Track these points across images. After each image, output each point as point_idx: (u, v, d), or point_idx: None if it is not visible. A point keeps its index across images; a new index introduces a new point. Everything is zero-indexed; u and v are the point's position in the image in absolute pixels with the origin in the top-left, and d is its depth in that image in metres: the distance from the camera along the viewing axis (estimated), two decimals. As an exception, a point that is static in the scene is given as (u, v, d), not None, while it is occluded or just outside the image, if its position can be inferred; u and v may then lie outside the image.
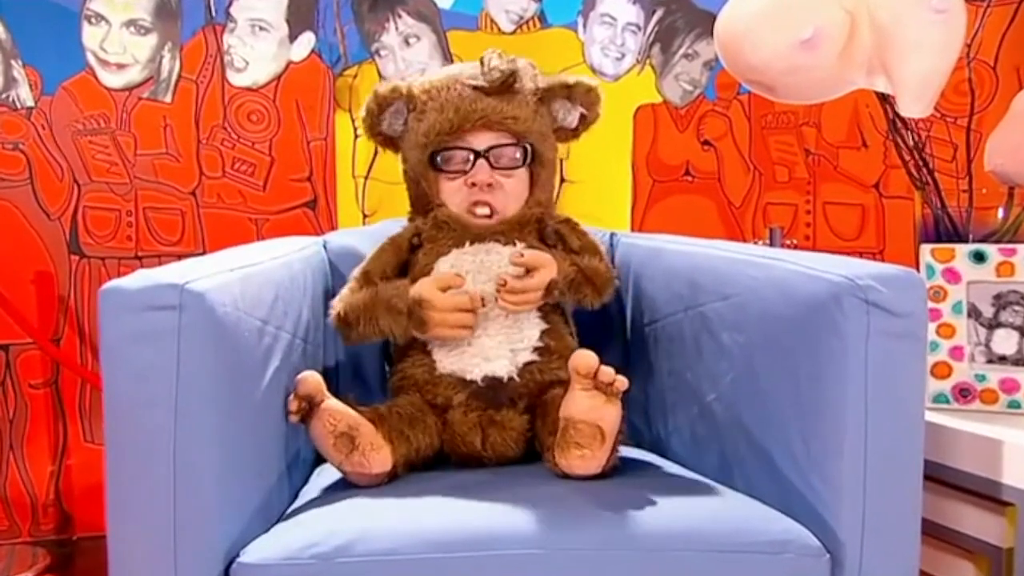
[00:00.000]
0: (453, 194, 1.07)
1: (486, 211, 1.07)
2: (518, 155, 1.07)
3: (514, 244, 1.05)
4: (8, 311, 1.68)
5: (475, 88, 1.05)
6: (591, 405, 0.91)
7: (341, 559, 0.79)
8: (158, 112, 1.81)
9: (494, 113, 1.05)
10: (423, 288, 1.01)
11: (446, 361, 1.02)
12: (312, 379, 0.92)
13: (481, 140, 1.06)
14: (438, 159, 1.07)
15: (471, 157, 1.06)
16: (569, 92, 1.11)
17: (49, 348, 1.73)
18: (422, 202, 1.10)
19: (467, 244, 1.05)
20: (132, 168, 1.80)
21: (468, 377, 1.01)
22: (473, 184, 1.05)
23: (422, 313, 0.99)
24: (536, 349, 1.03)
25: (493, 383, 1.01)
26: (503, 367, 1.01)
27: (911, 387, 0.85)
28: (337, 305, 1.05)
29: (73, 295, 1.79)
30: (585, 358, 0.91)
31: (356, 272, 1.09)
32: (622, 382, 0.91)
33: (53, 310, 1.78)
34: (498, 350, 1.01)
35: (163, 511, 0.77)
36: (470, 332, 1.01)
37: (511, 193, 1.08)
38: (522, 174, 1.09)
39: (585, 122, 1.14)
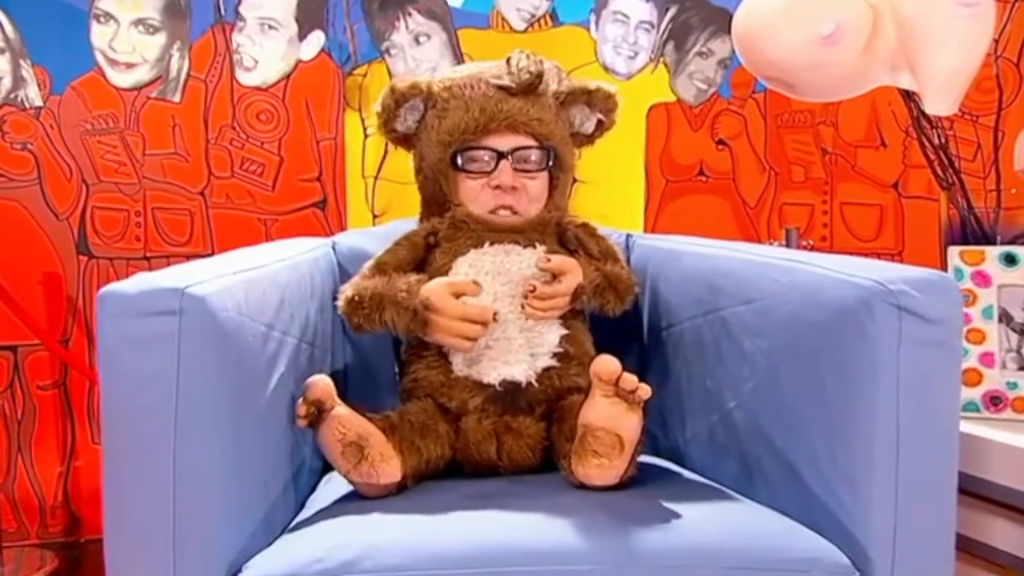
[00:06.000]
0: (474, 195, 1.05)
1: (508, 213, 1.05)
2: (541, 158, 1.05)
3: (534, 246, 1.03)
4: (16, 312, 1.67)
5: (500, 88, 1.03)
6: (611, 413, 0.89)
7: (347, 575, 0.76)
8: (167, 112, 1.79)
9: (520, 115, 1.03)
10: (434, 291, 0.98)
11: (462, 364, 1.00)
12: (322, 383, 0.89)
13: (505, 141, 1.04)
14: (460, 159, 1.04)
15: (494, 158, 1.04)
16: (589, 98, 1.09)
17: (57, 349, 1.72)
18: (438, 201, 1.08)
19: (486, 245, 1.02)
20: (141, 168, 1.78)
21: (485, 381, 0.99)
22: (497, 186, 1.03)
23: (427, 316, 0.97)
24: (556, 355, 1.00)
25: (511, 388, 0.99)
26: (522, 371, 0.98)
27: (945, 397, 0.82)
28: (348, 289, 1.01)
29: (81, 296, 1.77)
30: (607, 364, 0.89)
31: (369, 263, 1.06)
32: (645, 390, 0.89)
33: (61, 311, 1.76)
34: (517, 354, 0.99)
35: (162, 523, 0.75)
36: (472, 345, 0.98)
37: (532, 196, 1.06)
38: (543, 177, 1.07)
39: (601, 128, 1.12)
